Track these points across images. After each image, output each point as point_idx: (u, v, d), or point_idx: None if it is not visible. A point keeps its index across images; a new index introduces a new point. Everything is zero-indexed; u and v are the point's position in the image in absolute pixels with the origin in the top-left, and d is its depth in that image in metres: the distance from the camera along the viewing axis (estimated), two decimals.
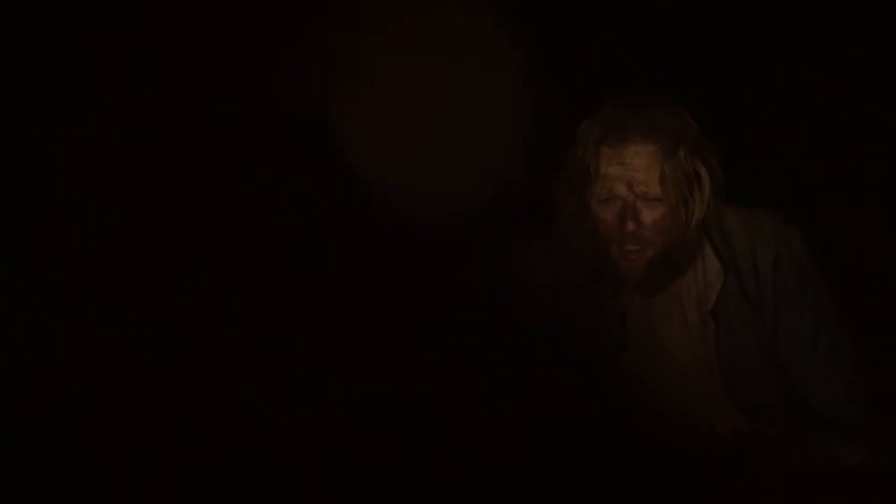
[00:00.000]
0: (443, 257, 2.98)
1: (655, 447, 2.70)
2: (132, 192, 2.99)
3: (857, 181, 3.77)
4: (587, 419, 2.72)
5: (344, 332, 2.85)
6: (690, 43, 3.68)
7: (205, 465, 2.56)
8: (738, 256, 2.84)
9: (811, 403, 2.84)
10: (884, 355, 3.06)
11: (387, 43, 3.19)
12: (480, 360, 2.80)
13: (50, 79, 3.07)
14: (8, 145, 2.98)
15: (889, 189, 3.74)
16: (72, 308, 2.81)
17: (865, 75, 3.76)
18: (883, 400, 2.91)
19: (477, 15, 3.23)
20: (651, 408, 2.84)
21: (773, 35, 3.76)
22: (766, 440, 2.78)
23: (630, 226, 2.77)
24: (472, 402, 2.72)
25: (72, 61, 3.07)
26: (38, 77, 3.06)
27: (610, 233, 2.79)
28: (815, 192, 3.70)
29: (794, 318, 2.81)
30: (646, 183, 2.77)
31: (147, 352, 2.78)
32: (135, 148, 3.03)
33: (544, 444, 2.61)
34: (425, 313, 2.89)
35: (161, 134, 3.06)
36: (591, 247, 2.83)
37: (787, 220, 2.88)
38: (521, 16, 3.31)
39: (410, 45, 3.21)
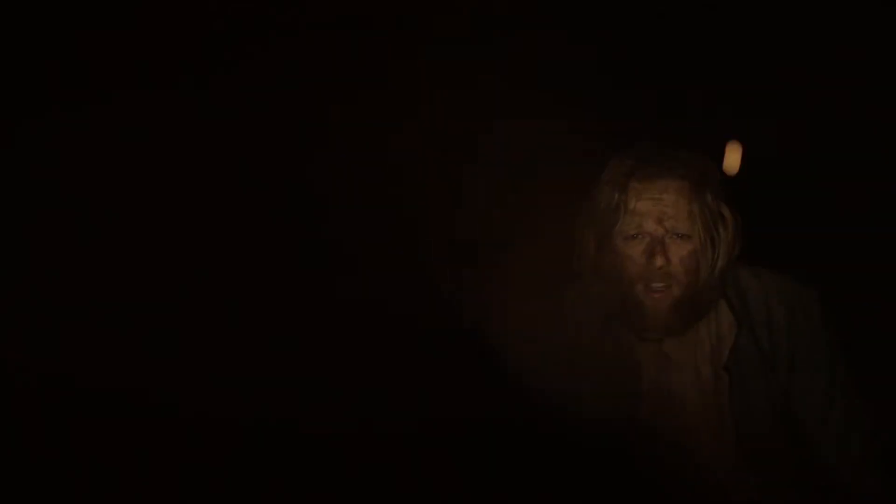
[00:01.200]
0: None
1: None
2: (132, 192, 3.00)
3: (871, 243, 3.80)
4: (599, 471, 2.73)
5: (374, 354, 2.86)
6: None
7: (205, 464, 2.56)
8: (752, 312, 2.83)
9: (824, 466, 2.81)
10: None
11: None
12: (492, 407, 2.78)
13: (50, 79, 3.08)
14: (8, 145, 2.99)
15: None
16: (72, 308, 2.81)
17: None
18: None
19: None
20: (663, 464, 2.81)
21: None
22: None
23: (659, 261, 2.74)
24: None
25: (71, 61, 3.09)
26: (38, 77, 3.08)
27: (636, 270, 2.76)
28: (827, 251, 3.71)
29: (807, 378, 2.79)
30: (675, 218, 2.75)
31: (147, 351, 2.79)
32: (136, 148, 3.04)
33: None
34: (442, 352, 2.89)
35: (163, 135, 3.07)
36: (614, 288, 2.80)
37: (804, 283, 2.86)
38: None
39: None
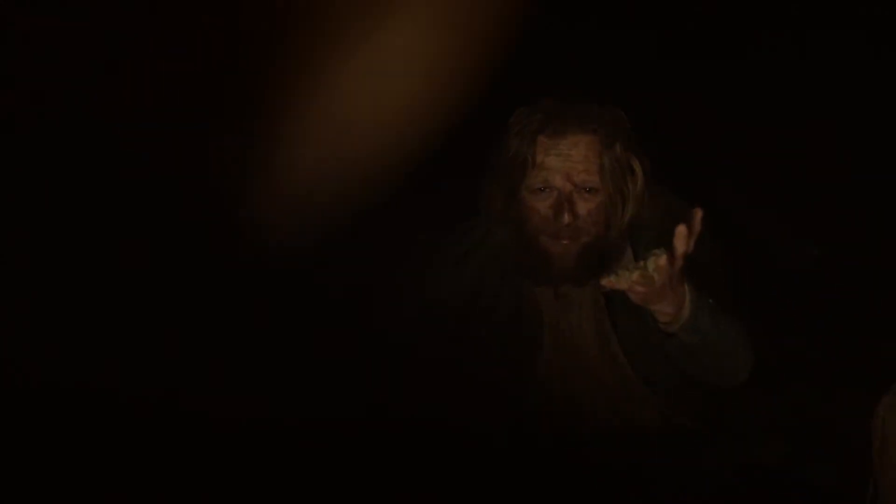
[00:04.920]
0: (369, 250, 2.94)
1: (569, 443, 2.76)
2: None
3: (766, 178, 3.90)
4: (501, 418, 2.74)
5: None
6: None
7: (199, 462, 2.57)
8: (643, 234, 2.81)
9: (713, 377, 2.79)
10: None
11: None
12: (391, 355, 2.79)
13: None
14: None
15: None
16: (61, 308, 2.82)
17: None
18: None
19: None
20: (566, 405, 2.82)
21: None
22: (681, 436, 2.80)
23: (566, 217, 2.73)
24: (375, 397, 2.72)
25: None
26: None
27: (542, 224, 2.75)
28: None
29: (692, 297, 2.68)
30: (585, 172, 2.73)
31: (143, 350, 2.79)
32: (137, 147, 3.02)
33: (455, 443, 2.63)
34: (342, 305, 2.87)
35: (166, 135, 3.05)
36: (519, 237, 2.78)
37: (690, 201, 2.79)
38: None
39: None
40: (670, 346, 2.71)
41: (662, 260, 2.55)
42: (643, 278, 2.55)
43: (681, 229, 2.54)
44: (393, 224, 3.01)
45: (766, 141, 3.91)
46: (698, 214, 2.56)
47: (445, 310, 2.87)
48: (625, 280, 2.56)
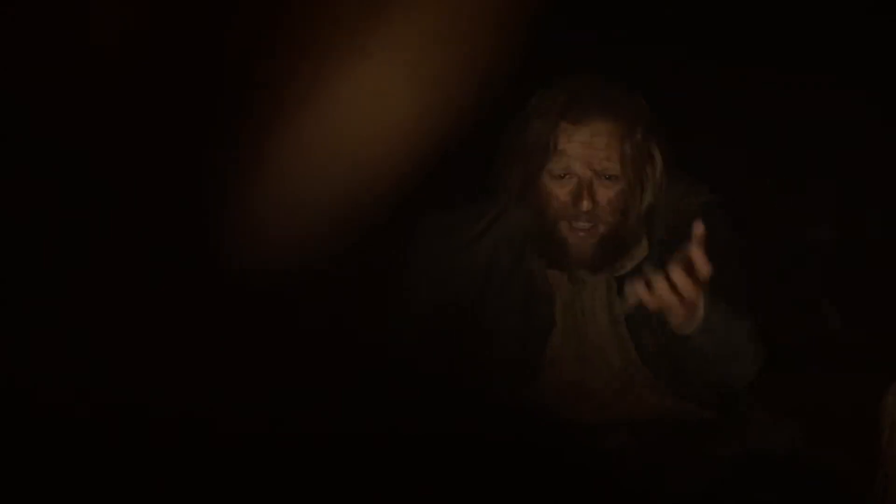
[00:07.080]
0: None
1: (576, 426, 2.75)
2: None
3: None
4: (510, 400, 2.75)
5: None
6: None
7: (199, 471, 2.55)
8: (659, 230, 2.80)
9: (719, 376, 2.78)
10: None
11: None
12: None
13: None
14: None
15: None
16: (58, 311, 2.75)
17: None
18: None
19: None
20: (574, 387, 2.81)
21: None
22: (690, 427, 2.78)
23: (586, 204, 2.72)
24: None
25: None
26: None
27: (561, 209, 2.75)
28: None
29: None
30: (606, 160, 2.72)
31: (140, 354, 2.74)
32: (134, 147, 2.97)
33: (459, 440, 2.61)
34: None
35: (163, 136, 2.99)
36: (538, 222, 2.78)
37: (708, 188, 2.83)
38: None
39: None
40: (681, 347, 2.70)
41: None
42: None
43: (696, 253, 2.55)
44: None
45: (777, 127, 3.90)
46: (699, 230, 2.56)
47: (458, 292, 2.86)
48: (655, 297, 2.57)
